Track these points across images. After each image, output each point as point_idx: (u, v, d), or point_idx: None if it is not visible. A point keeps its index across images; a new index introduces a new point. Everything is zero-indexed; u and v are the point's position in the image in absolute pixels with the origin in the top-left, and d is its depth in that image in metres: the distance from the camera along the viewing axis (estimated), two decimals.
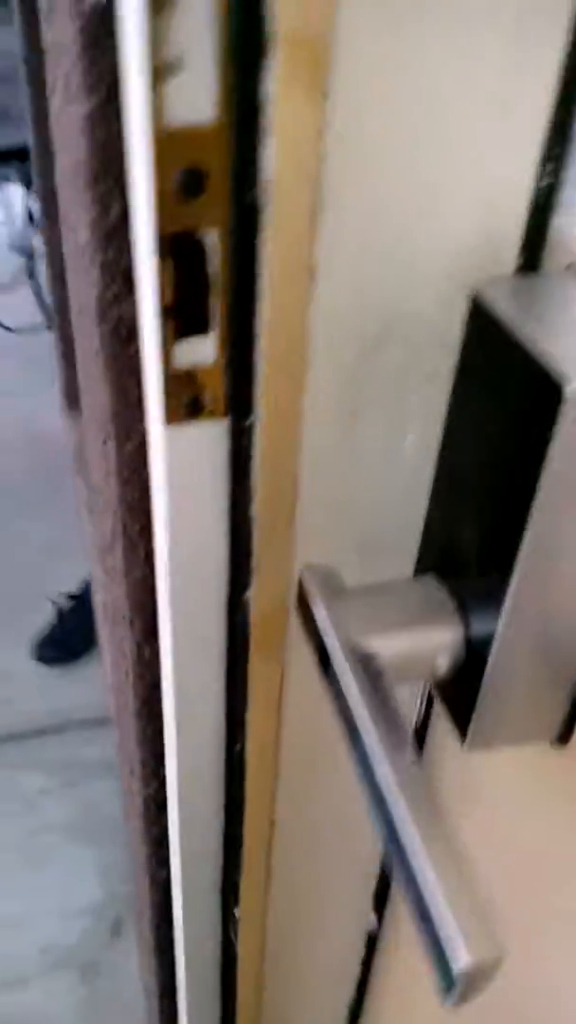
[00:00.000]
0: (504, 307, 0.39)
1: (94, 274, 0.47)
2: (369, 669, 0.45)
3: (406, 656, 0.46)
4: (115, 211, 0.46)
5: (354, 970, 0.94)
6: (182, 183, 0.37)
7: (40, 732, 2.16)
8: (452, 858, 0.38)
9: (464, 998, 0.35)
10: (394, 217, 0.41)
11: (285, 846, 0.76)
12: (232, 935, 0.83)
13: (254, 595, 0.53)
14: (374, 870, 0.84)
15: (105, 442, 0.53)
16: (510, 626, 0.43)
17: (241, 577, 0.51)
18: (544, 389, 0.36)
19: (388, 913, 0.85)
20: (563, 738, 0.50)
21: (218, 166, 0.37)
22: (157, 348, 0.42)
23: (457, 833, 0.38)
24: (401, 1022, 0.79)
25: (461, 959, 0.34)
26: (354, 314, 0.44)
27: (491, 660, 0.44)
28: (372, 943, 0.89)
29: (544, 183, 0.42)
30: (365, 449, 0.49)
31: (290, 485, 0.49)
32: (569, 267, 0.42)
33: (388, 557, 0.54)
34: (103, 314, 0.47)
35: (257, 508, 0.49)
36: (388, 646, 0.46)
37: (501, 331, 0.38)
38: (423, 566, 0.51)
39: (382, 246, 0.42)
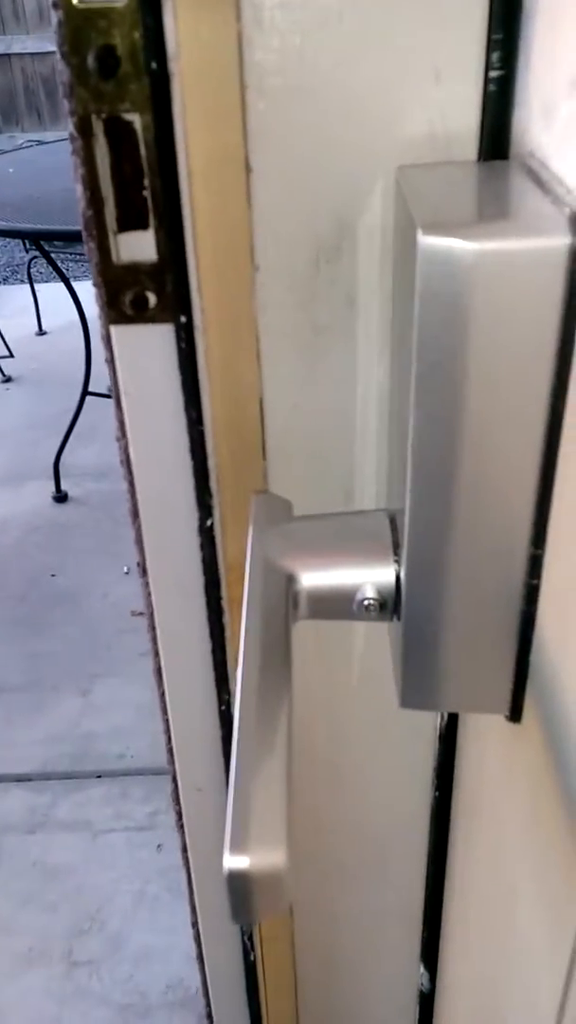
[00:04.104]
0: (409, 187, 0.36)
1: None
2: (276, 589, 0.42)
3: (324, 586, 0.42)
4: None
5: None
6: (98, 59, 0.39)
7: None
8: (277, 760, 0.33)
9: (242, 910, 0.31)
10: (330, 104, 0.40)
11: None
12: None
13: (223, 537, 0.52)
14: (418, 917, 0.75)
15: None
16: (415, 555, 0.38)
17: (205, 500, 0.50)
18: (413, 247, 0.33)
19: (441, 967, 0.76)
20: (515, 715, 0.43)
21: (129, 46, 0.38)
22: (100, 240, 0.43)
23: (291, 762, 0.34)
24: None
25: (231, 858, 0.30)
26: (301, 214, 0.43)
27: (404, 602, 0.40)
28: (427, 1003, 0.80)
29: (494, 74, 0.39)
30: (334, 369, 0.47)
31: (252, 401, 0.47)
32: (515, 157, 0.39)
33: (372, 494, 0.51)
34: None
35: (214, 422, 0.48)
36: (307, 575, 0.42)
37: (403, 208, 0.36)
38: (390, 501, 0.47)
39: (320, 136, 0.41)
